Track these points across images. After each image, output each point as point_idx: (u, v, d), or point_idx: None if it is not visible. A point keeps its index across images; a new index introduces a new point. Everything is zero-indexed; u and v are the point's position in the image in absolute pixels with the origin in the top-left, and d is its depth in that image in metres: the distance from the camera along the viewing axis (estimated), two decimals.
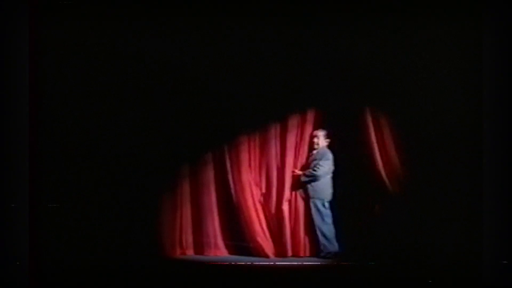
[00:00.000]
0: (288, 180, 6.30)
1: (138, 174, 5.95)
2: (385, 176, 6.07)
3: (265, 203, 6.35)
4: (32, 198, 5.39)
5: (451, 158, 5.67)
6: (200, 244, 6.35)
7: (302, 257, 6.21)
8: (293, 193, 6.31)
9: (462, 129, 5.64)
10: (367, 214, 6.04)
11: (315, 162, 6.25)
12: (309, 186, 6.26)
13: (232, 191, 6.31)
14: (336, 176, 6.25)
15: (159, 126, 6.01)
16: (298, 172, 6.30)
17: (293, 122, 6.32)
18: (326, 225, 6.20)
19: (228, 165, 6.31)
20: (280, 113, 6.31)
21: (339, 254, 6.11)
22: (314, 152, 6.31)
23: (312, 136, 6.32)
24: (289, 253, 6.24)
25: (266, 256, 6.20)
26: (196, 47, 5.91)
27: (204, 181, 6.35)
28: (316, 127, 6.33)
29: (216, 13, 5.79)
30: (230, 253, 6.35)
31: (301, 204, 6.30)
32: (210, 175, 6.36)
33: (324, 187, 6.24)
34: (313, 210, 6.24)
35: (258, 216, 6.30)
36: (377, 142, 6.12)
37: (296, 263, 6.05)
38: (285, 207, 6.28)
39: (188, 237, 6.35)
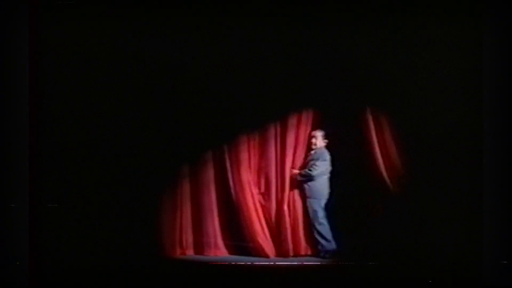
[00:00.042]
0: (288, 180, 6.31)
1: (138, 174, 5.95)
2: (385, 176, 6.07)
3: (265, 203, 6.35)
4: (32, 198, 5.40)
5: (451, 158, 5.67)
6: (200, 244, 6.35)
7: (302, 257, 6.22)
8: (293, 192, 6.32)
9: (462, 129, 5.64)
10: (367, 214, 6.04)
11: (311, 162, 6.27)
12: (305, 186, 6.27)
13: (232, 191, 6.31)
14: (336, 176, 6.25)
15: (159, 126, 6.01)
16: (295, 171, 6.32)
17: (293, 122, 6.32)
18: (322, 225, 6.21)
19: (228, 165, 6.32)
20: (280, 113, 6.31)
21: (337, 253, 6.12)
22: (312, 152, 6.32)
23: (310, 137, 6.34)
24: (289, 253, 6.24)
25: (266, 256, 6.20)
26: (196, 47, 5.90)
27: (204, 181, 6.35)
28: (316, 127, 6.33)
29: (216, 13, 5.79)
30: (230, 253, 6.34)
31: (300, 204, 6.31)
32: (210, 175, 6.36)
33: (320, 187, 6.25)
34: (310, 210, 6.25)
35: (258, 216, 6.30)
36: (377, 142, 6.12)
37: (296, 263, 6.05)
38: (285, 207, 6.29)
39: (188, 237, 6.35)
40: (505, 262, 5.27)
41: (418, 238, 5.67)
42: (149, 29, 5.80)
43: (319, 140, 6.31)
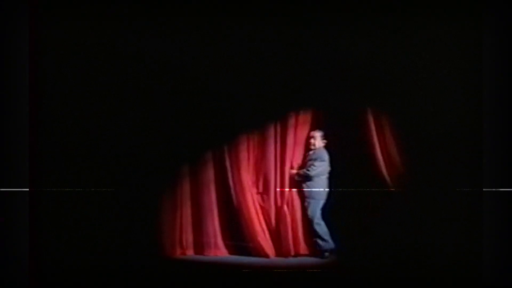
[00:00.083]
0: (288, 179, 6.32)
1: (138, 174, 5.95)
2: (385, 176, 6.07)
3: (265, 203, 6.35)
4: (32, 198, 5.39)
5: (451, 158, 5.67)
6: (200, 244, 6.35)
7: (302, 256, 6.22)
8: (292, 192, 6.32)
9: (462, 129, 5.64)
10: (367, 214, 6.04)
11: (310, 162, 6.27)
12: (304, 186, 6.28)
13: (232, 191, 6.31)
14: (336, 176, 6.25)
15: (159, 126, 6.01)
16: (293, 171, 6.32)
17: (293, 122, 6.33)
18: (319, 225, 6.21)
19: (228, 165, 6.32)
20: (280, 113, 6.31)
21: (335, 253, 6.12)
22: (311, 152, 6.33)
23: (309, 137, 6.34)
24: (289, 253, 6.24)
25: (266, 256, 6.21)
26: (196, 47, 5.91)
27: (204, 181, 6.35)
28: (315, 127, 6.34)
29: (216, 13, 5.79)
30: (230, 253, 6.35)
31: (299, 204, 6.31)
32: (210, 175, 6.37)
33: (318, 187, 6.26)
34: (308, 210, 6.25)
35: (258, 216, 6.31)
36: (377, 142, 6.12)
37: (296, 263, 6.05)
38: (285, 207, 6.29)
39: (188, 237, 6.35)
40: (505, 262, 5.28)
41: (418, 238, 5.67)
42: (149, 29, 5.80)
43: (318, 141, 6.32)
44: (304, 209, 6.29)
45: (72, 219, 5.70)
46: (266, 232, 6.30)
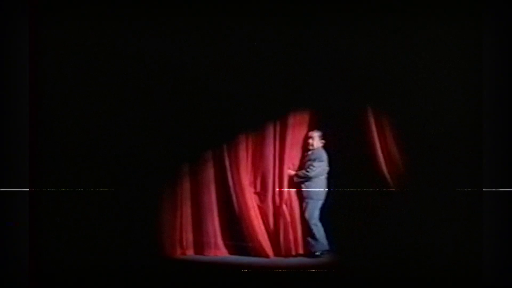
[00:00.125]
0: (287, 180, 6.32)
1: (138, 174, 5.95)
2: (385, 176, 6.07)
3: (265, 203, 6.35)
4: (32, 198, 5.39)
5: (451, 158, 5.67)
6: (200, 244, 6.35)
7: (302, 256, 6.22)
8: (292, 192, 6.32)
9: (462, 129, 5.63)
10: (366, 214, 6.04)
11: (309, 163, 6.28)
12: (303, 186, 6.28)
13: (232, 191, 6.31)
14: (335, 176, 6.25)
15: (159, 126, 6.01)
16: (292, 172, 6.32)
17: (293, 122, 6.33)
18: (316, 226, 6.22)
19: (228, 165, 6.32)
20: (280, 113, 6.31)
21: (334, 253, 6.13)
22: (309, 153, 6.32)
23: (307, 137, 6.34)
24: (289, 253, 6.24)
25: (266, 256, 6.21)
26: (196, 47, 5.90)
27: (204, 181, 6.35)
28: (315, 127, 6.34)
29: (216, 13, 5.79)
30: (230, 253, 6.35)
31: (298, 204, 6.31)
32: (210, 174, 6.36)
33: (317, 187, 6.26)
34: (306, 210, 6.26)
35: (257, 216, 6.30)
36: (377, 142, 6.12)
37: (296, 263, 6.05)
38: (284, 207, 6.29)
39: (188, 237, 6.35)
40: (505, 262, 5.28)
41: (418, 238, 5.67)
42: (149, 29, 5.80)
43: (316, 141, 6.33)
44: (303, 210, 6.29)
45: (72, 219, 5.70)
46: (266, 232, 6.30)
